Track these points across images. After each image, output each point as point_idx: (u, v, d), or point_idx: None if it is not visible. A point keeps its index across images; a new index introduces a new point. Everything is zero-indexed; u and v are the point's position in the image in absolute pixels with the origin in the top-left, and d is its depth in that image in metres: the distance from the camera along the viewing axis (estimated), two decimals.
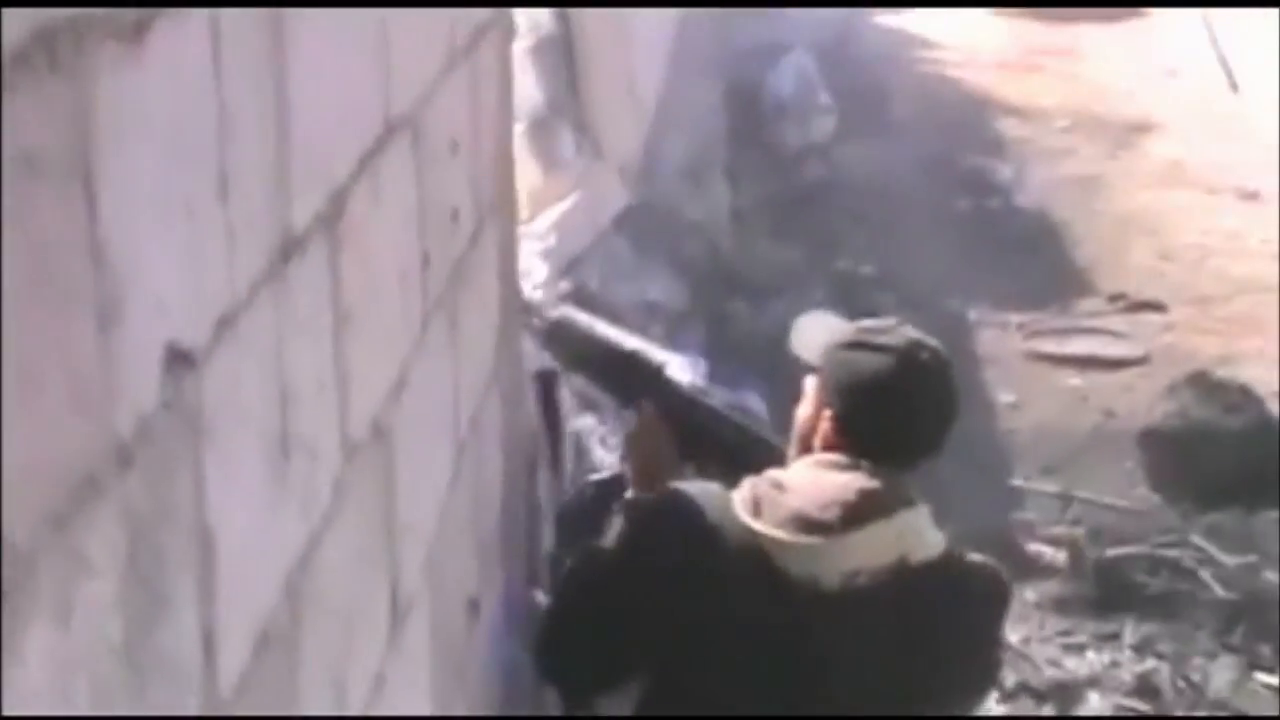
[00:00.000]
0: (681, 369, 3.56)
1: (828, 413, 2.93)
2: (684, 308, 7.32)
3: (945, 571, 2.93)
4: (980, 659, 3.12)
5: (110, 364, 1.22)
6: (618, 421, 6.00)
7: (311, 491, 1.78)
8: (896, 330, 3.04)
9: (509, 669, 3.17)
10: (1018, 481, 7.28)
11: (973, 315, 8.93)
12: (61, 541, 1.14)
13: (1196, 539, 6.60)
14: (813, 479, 2.87)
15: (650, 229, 7.66)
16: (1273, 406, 7.44)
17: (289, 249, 1.67)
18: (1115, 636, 6.12)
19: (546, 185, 6.70)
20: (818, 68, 11.55)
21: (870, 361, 2.95)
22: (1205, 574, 6.34)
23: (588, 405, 5.98)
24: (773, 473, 2.93)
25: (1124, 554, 6.47)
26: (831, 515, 2.81)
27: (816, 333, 3.16)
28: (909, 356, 2.95)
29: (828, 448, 2.93)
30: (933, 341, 3.02)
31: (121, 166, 1.23)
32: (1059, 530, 6.84)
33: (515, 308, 3.38)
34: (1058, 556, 6.62)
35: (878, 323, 3.12)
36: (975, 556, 3.07)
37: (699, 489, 3.00)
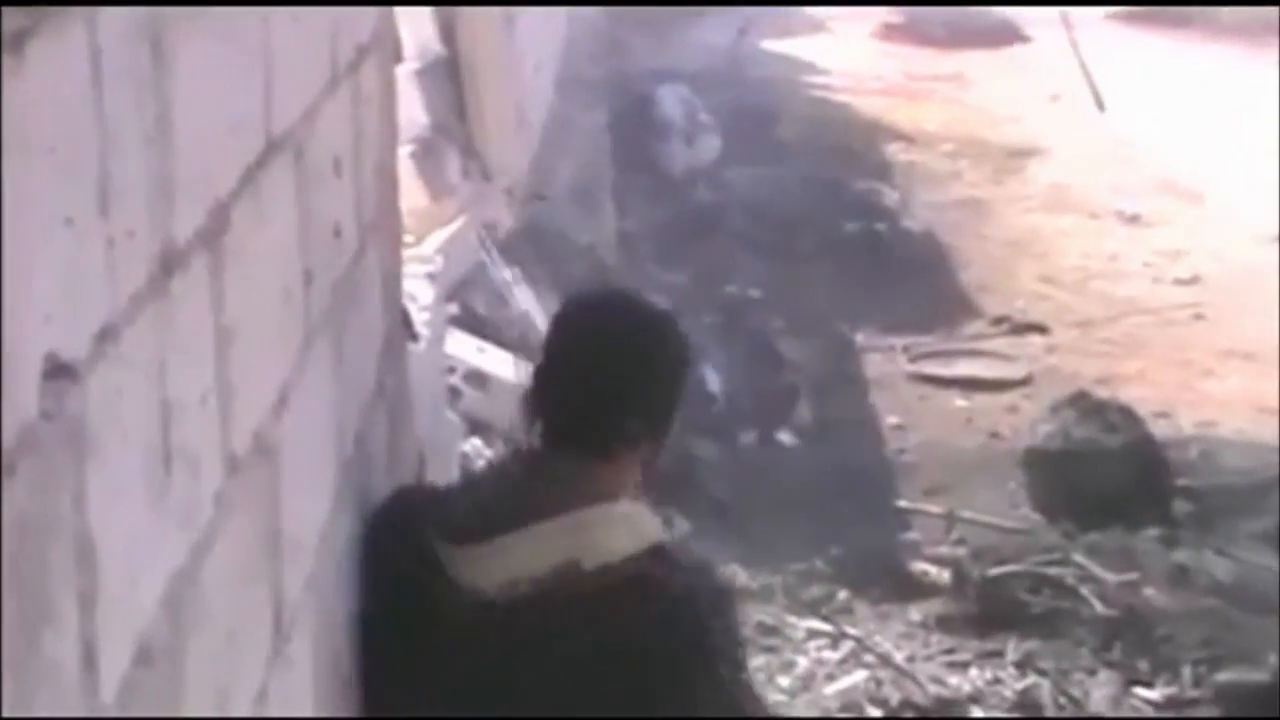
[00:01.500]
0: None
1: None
2: None
3: (626, 580, 2.55)
4: (668, 682, 2.55)
5: None
6: (505, 446, 6.02)
7: (193, 504, 1.79)
8: (596, 298, 2.92)
9: None
10: (903, 502, 7.35)
11: (860, 338, 9.02)
12: None
13: (1078, 557, 6.68)
14: (483, 478, 2.80)
15: (537, 252, 7.68)
16: (1152, 427, 7.55)
17: (171, 263, 1.68)
18: (998, 654, 6.19)
19: (433, 208, 6.71)
20: (705, 91, 11.63)
21: (547, 334, 2.80)
22: (1086, 591, 6.42)
23: (477, 428, 6.00)
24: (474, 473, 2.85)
25: (1007, 572, 6.54)
26: (477, 523, 2.59)
27: None
28: (591, 297, 2.83)
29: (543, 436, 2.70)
30: (637, 305, 2.84)
31: (2, 177, 1.25)
32: (943, 550, 6.91)
33: (399, 327, 3.40)
34: (942, 575, 6.69)
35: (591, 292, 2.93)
36: (684, 559, 2.70)
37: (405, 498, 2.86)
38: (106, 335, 1.49)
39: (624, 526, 2.58)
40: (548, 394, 2.68)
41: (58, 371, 1.37)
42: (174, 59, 1.69)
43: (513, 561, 2.54)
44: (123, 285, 1.54)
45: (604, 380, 2.65)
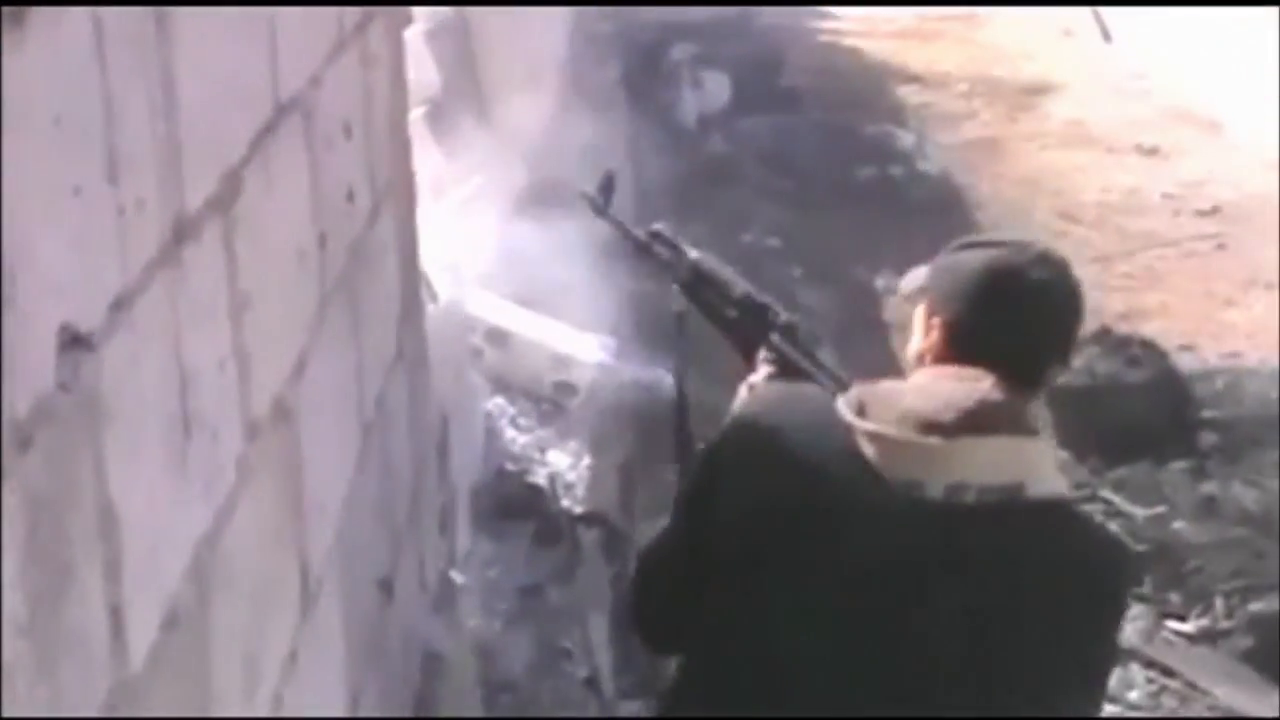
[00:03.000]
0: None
1: (936, 321, 2.61)
2: (590, 286, 7.34)
3: (1068, 518, 2.54)
4: (1094, 638, 2.55)
5: (3, 346, 1.24)
6: (529, 403, 6.03)
7: (215, 471, 1.79)
8: (1006, 235, 2.82)
9: (427, 648, 3.19)
10: None
11: (880, 283, 8.99)
12: None
13: (1106, 492, 6.68)
14: (929, 383, 2.53)
15: (554, 209, 7.67)
16: (1176, 360, 7.53)
17: (183, 230, 1.69)
18: None
19: (448, 168, 6.70)
20: (714, 41, 11.61)
21: (979, 256, 2.64)
22: (1115, 526, 6.41)
23: (500, 387, 6.00)
24: (885, 382, 2.60)
25: None
26: (947, 418, 2.43)
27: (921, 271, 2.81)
28: (1020, 247, 2.66)
29: (940, 362, 2.59)
30: (1049, 254, 2.72)
31: (6, 149, 1.25)
32: None
33: (417, 289, 3.40)
34: None
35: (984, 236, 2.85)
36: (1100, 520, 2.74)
37: (795, 388, 2.77)
38: (120, 304, 1.49)
39: (1054, 466, 2.56)
40: (984, 312, 2.58)
41: (72, 342, 1.38)
42: (177, 27, 1.69)
43: (968, 467, 2.42)
44: (135, 254, 1.54)
45: (1065, 306, 2.64)
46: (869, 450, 2.44)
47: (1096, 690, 2.63)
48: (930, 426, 2.43)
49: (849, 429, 2.46)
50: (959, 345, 2.56)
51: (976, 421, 2.43)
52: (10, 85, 1.25)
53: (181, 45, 1.70)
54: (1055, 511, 2.48)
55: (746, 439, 2.57)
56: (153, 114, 1.62)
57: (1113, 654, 2.77)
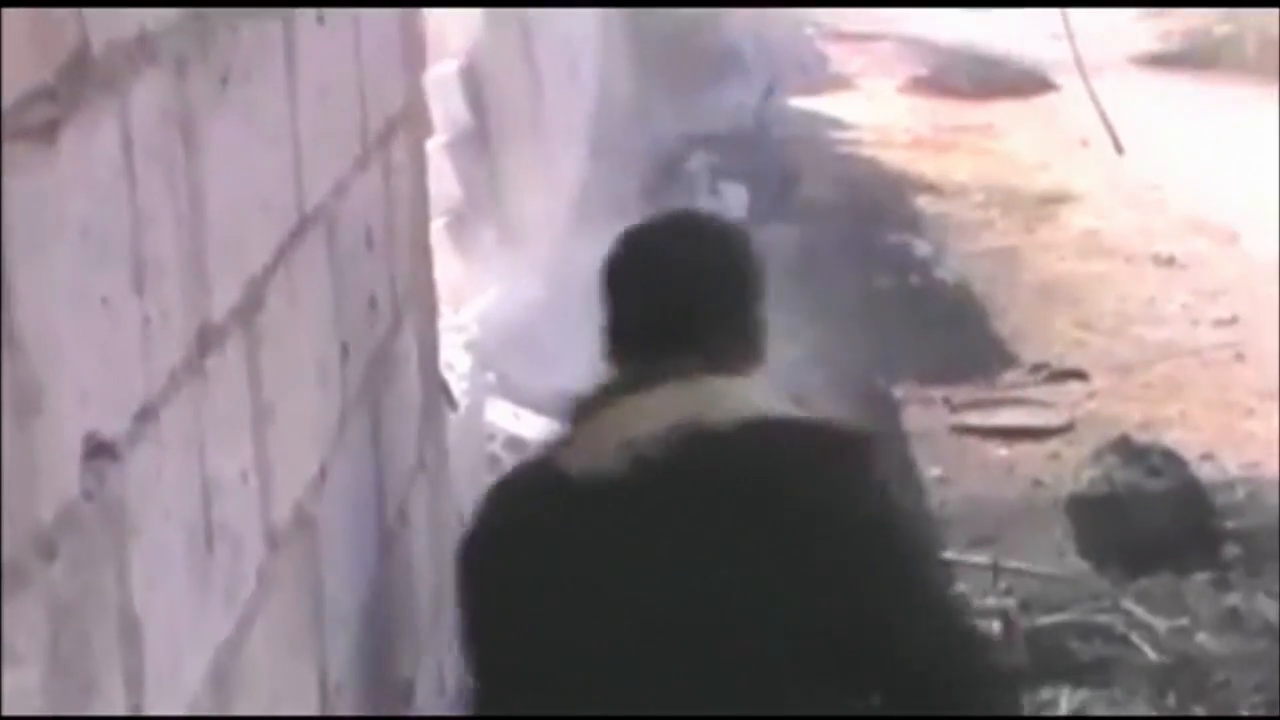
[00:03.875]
0: None
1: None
2: None
3: (754, 431, 2.39)
4: (836, 528, 2.37)
5: (31, 454, 1.25)
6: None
7: (236, 581, 1.80)
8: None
9: None
10: (948, 554, 7.32)
11: (899, 392, 8.99)
12: None
13: (1127, 604, 6.64)
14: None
15: (571, 319, 7.70)
16: (1197, 470, 7.51)
17: (207, 341, 1.70)
18: (1051, 705, 6.15)
19: (467, 278, 6.74)
20: (733, 152, 11.70)
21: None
22: (1137, 638, 6.37)
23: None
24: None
25: (1056, 622, 6.50)
26: (588, 401, 2.46)
27: None
28: (648, 228, 2.75)
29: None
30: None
31: (35, 260, 1.26)
32: (991, 601, 6.88)
33: (437, 398, 3.41)
34: (990, 627, 6.66)
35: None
36: (826, 419, 2.70)
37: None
38: (145, 414, 1.50)
39: (750, 389, 2.47)
40: (619, 300, 2.59)
41: (98, 451, 1.38)
42: (204, 138, 1.71)
43: (625, 427, 2.37)
44: (160, 364, 1.56)
45: (703, 274, 2.61)
46: (554, 459, 2.47)
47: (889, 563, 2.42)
48: (572, 414, 2.49)
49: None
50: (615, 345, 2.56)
51: (628, 386, 2.44)
52: (42, 198, 1.27)
53: (208, 156, 1.72)
54: (750, 427, 2.37)
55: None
56: (179, 225, 1.63)
57: (876, 521, 2.46)
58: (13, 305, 1.22)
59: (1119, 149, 9.86)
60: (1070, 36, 9.59)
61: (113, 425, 1.42)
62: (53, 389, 1.28)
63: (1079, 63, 9.61)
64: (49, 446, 1.28)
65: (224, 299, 1.77)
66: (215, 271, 1.73)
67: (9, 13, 1.24)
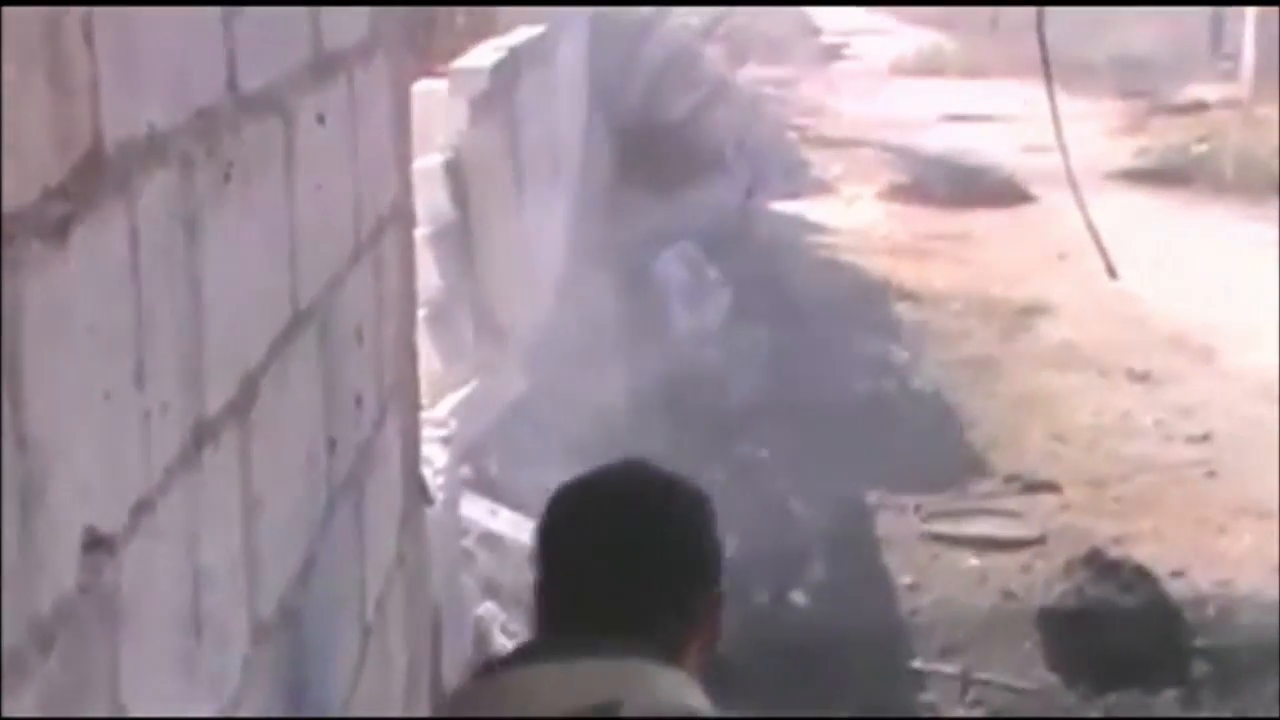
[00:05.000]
0: None
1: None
2: None
3: None
4: None
5: (32, 546, 1.26)
6: (519, 609, 6.02)
7: (221, 672, 1.81)
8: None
9: None
10: (918, 663, 7.32)
11: (871, 498, 9.02)
12: None
13: (1096, 719, 6.65)
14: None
15: (548, 414, 7.72)
16: (1168, 586, 7.53)
17: (202, 435, 1.72)
18: None
19: (446, 371, 6.76)
20: (713, 253, 11.75)
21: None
22: None
23: (490, 591, 6.00)
24: None
25: None
26: (534, 647, 2.33)
27: None
28: (589, 486, 2.42)
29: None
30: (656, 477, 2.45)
31: (45, 356, 1.28)
32: (959, 711, 6.88)
33: (417, 492, 3.42)
34: None
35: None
36: None
37: None
38: (142, 508, 1.52)
39: (675, 684, 2.22)
40: (550, 571, 2.37)
41: (95, 544, 1.40)
42: (205, 236, 1.73)
43: (530, 700, 2.17)
44: (157, 458, 1.57)
45: (633, 545, 2.35)
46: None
47: None
48: (516, 656, 2.35)
49: None
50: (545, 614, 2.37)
51: (559, 650, 2.24)
52: (53, 295, 1.29)
53: (209, 252, 1.74)
54: None
55: None
56: (180, 320, 1.65)
57: None
58: (24, 401, 1.24)
59: (1112, 274, 9.92)
60: (1063, 150, 9.66)
61: (111, 519, 1.44)
62: (55, 482, 1.30)
63: (1071, 179, 9.67)
64: (49, 539, 1.30)
65: (220, 393, 1.79)
66: (212, 366, 1.75)
67: (29, 109, 1.27)
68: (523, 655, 2.35)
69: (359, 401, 2.62)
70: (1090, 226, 9.41)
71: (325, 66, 2.41)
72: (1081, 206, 9.31)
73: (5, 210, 1.22)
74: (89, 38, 1.40)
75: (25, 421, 1.25)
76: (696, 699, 2.23)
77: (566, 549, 2.36)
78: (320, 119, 2.33)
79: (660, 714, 2.16)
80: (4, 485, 1.22)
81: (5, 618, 1.22)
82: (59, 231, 1.32)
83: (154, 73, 1.59)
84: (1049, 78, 9.72)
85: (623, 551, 2.33)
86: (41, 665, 1.28)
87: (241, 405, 1.88)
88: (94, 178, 1.40)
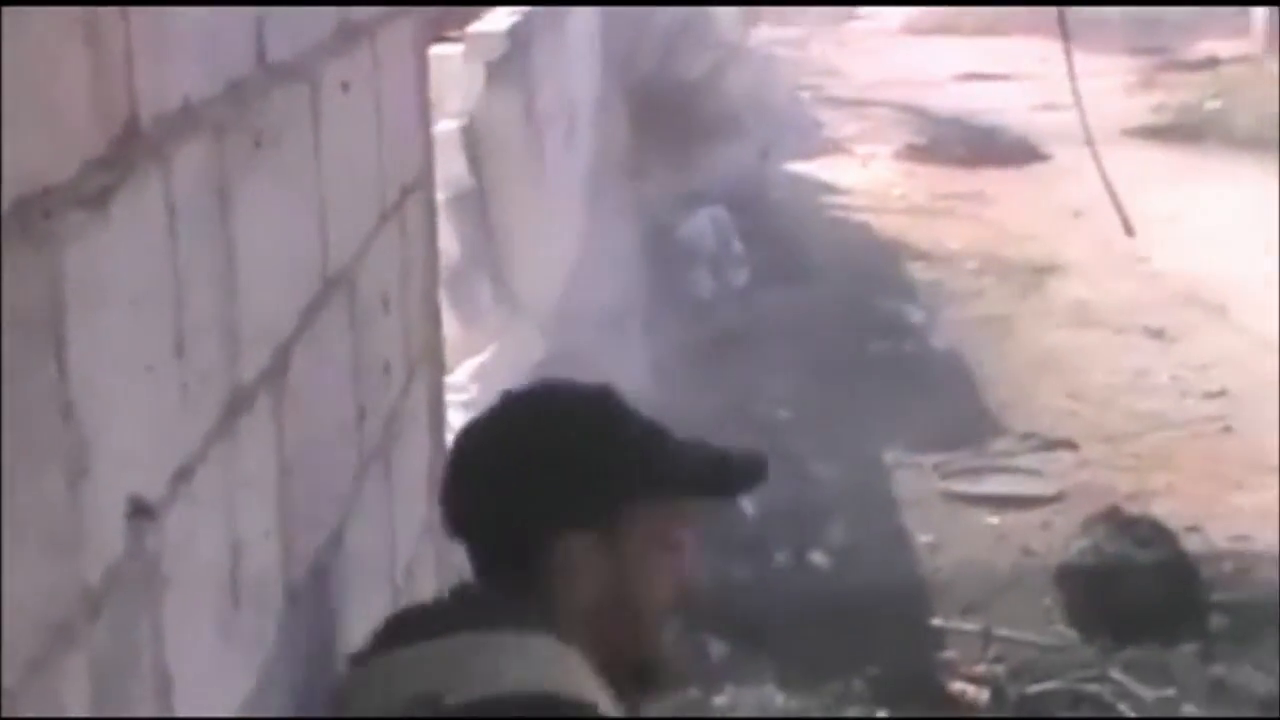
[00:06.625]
0: None
1: None
2: None
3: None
4: None
5: (79, 515, 1.28)
6: None
7: (259, 636, 1.83)
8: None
9: None
10: (938, 621, 7.35)
11: (889, 457, 9.03)
12: (38, 685, 1.20)
13: (1115, 673, 6.67)
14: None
15: (567, 378, 7.73)
16: (1185, 541, 7.55)
17: (238, 403, 1.74)
18: None
19: (466, 337, 6.77)
20: (731, 217, 11.76)
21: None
22: (1124, 707, 6.41)
23: None
24: None
25: (1045, 690, 6.53)
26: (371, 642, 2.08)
27: None
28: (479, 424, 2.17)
29: None
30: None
31: (88, 327, 1.30)
32: (980, 668, 6.91)
33: (443, 458, 3.44)
34: (980, 694, 6.68)
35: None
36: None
37: None
38: (182, 475, 1.54)
39: (511, 658, 1.93)
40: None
41: (139, 512, 1.42)
42: (237, 205, 1.75)
43: (373, 692, 1.96)
44: (196, 426, 1.59)
45: (482, 467, 2.12)
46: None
47: None
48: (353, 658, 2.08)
49: None
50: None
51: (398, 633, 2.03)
52: (95, 266, 1.31)
53: (241, 220, 1.76)
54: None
55: None
56: (216, 289, 1.67)
57: None
58: (68, 372, 1.26)
59: (1129, 230, 9.91)
60: (1080, 108, 9.64)
61: (153, 487, 1.46)
62: (99, 452, 1.32)
63: (1088, 136, 9.65)
64: (95, 508, 1.32)
65: (254, 362, 1.81)
66: (247, 335, 1.77)
67: (70, 84, 1.29)
68: (381, 637, 2.06)
69: (387, 369, 2.64)
70: (1107, 184, 9.42)
71: (349, 34, 2.42)
72: (1099, 164, 9.31)
73: (48, 183, 1.24)
74: (125, 14, 1.41)
75: (70, 391, 1.27)
76: (554, 672, 1.92)
77: (445, 498, 2.18)
78: (345, 86, 2.35)
79: (487, 699, 1.87)
80: (50, 456, 1.25)
81: (58, 587, 1.24)
82: (99, 203, 1.33)
83: (187, 46, 1.60)
84: (1066, 36, 9.71)
85: (466, 485, 2.13)
86: (90, 633, 1.30)
87: (275, 374, 1.90)
88: (132, 149, 1.42)
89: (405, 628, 2.03)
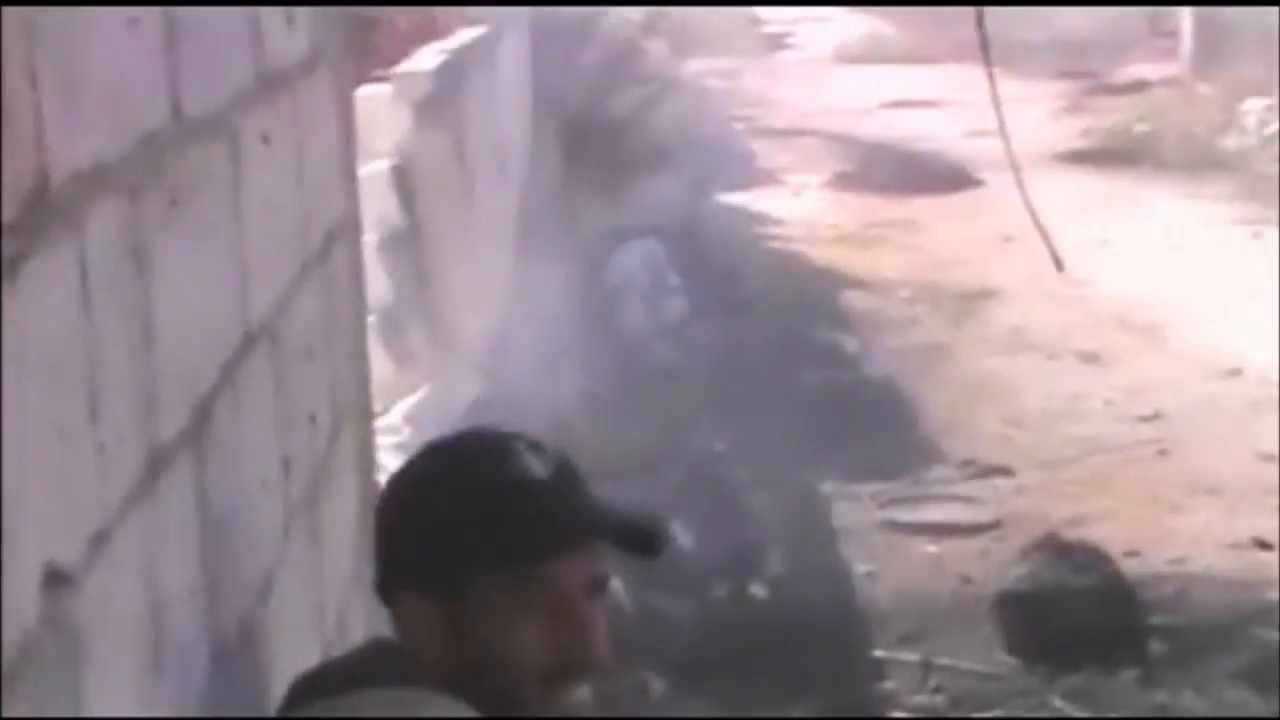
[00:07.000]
0: None
1: None
2: None
3: None
4: None
5: None
6: None
7: (183, 699, 1.81)
8: None
9: None
10: (878, 651, 7.35)
11: (826, 487, 9.04)
12: None
13: (1057, 701, 6.68)
14: None
15: (504, 416, 7.71)
16: (1123, 566, 7.57)
17: (158, 463, 1.72)
18: None
19: (399, 377, 6.75)
20: (665, 251, 11.77)
21: None
22: None
23: None
24: None
25: (986, 719, 6.54)
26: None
27: None
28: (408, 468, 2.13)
29: None
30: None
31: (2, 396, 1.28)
32: (921, 698, 6.91)
33: (373, 505, 3.42)
34: None
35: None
36: None
37: None
38: (99, 540, 1.52)
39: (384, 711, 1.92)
40: None
41: (54, 579, 1.40)
42: (153, 264, 1.73)
43: None
44: (113, 489, 1.57)
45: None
46: None
47: None
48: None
49: None
50: None
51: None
52: (6, 336, 1.29)
53: (158, 279, 1.74)
54: None
55: None
56: (131, 350, 1.65)
57: None
58: None
59: (1059, 265, 9.97)
60: (1004, 135, 9.69)
61: (69, 552, 1.44)
62: (13, 520, 1.30)
63: (1014, 165, 9.71)
64: (9, 578, 1.30)
65: (173, 420, 1.79)
66: (165, 393, 1.75)
67: None
68: (292, 697, 2.01)
69: (313, 419, 2.62)
70: (1034, 217, 9.46)
71: (268, 85, 2.40)
72: (1025, 196, 9.34)
73: None
74: (32, 75, 1.39)
75: None
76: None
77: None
78: (265, 139, 2.33)
79: None
80: None
81: None
82: (9, 272, 1.32)
83: (98, 103, 1.59)
84: (988, 61, 9.76)
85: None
86: (9, 704, 1.28)
87: (195, 431, 1.88)
88: (41, 212, 1.40)
89: (313, 688, 1.99)
